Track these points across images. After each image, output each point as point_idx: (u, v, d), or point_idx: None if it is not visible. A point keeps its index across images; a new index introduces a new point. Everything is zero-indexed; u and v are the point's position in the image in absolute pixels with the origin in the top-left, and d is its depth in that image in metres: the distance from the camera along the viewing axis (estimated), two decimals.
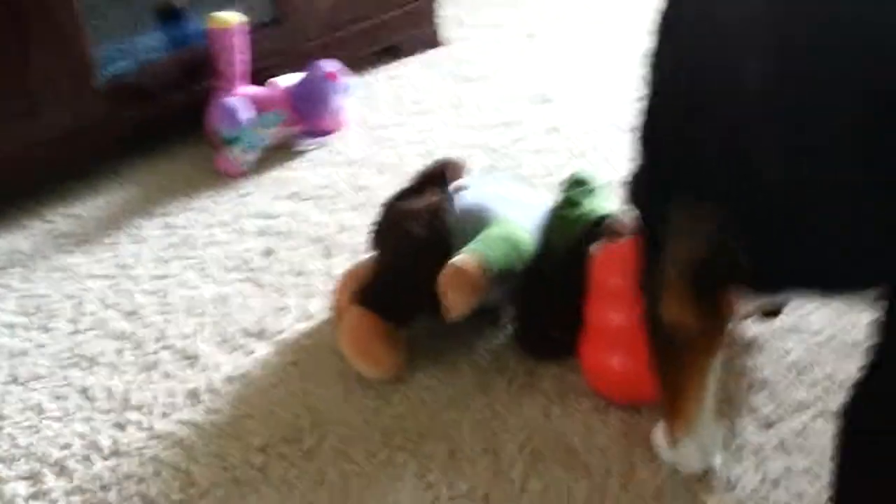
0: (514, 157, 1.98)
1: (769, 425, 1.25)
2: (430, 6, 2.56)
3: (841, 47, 0.74)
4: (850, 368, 1.31)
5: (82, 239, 1.88)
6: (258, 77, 2.13)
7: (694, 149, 0.87)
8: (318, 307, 1.59)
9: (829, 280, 0.82)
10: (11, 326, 1.63)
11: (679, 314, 0.97)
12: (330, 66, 2.09)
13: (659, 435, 1.21)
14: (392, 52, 2.52)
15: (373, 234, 1.52)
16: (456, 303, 1.33)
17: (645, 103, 1.00)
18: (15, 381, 1.50)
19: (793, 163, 0.76)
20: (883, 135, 0.71)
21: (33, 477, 1.31)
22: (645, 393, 1.28)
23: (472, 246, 1.36)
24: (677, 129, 0.90)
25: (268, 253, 1.75)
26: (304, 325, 1.56)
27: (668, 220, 0.92)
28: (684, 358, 1.05)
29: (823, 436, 1.22)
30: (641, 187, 1.04)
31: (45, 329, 1.62)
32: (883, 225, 0.73)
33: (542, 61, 2.42)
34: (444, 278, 1.33)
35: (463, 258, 1.34)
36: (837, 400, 1.26)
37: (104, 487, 1.28)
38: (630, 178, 1.08)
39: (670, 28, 0.94)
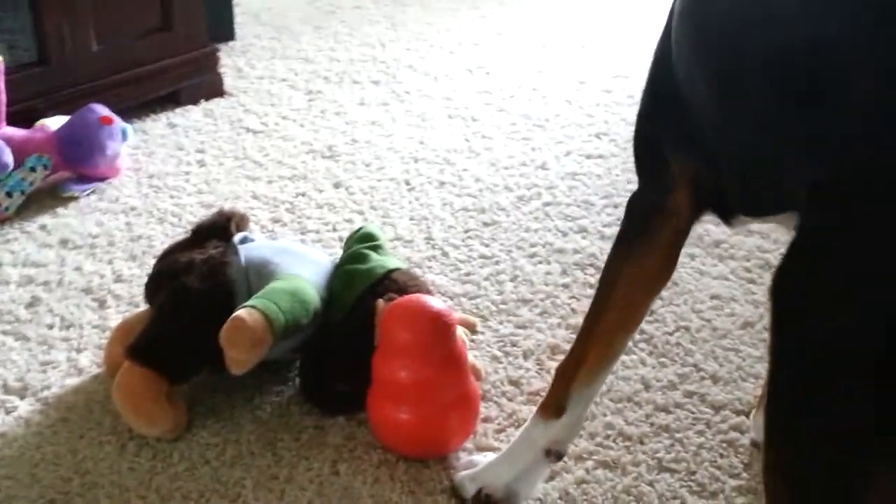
0: (298, 211, 1.96)
1: (552, 476, 1.29)
2: (213, 55, 2.51)
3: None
4: (628, 418, 1.39)
5: None
6: (24, 119, 2.00)
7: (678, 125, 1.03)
8: (90, 361, 1.50)
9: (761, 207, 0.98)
10: None
11: (681, 201, 1.07)
12: (103, 109, 2.00)
13: (464, 468, 1.24)
14: (173, 100, 2.45)
15: (148, 287, 1.45)
16: (238, 358, 1.29)
17: (647, 85, 1.10)
18: None
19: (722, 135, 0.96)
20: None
21: None
22: (432, 447, 1.29)
23: (254, 300, 1.33)
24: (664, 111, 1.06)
25: (33, 303, 1.63)
26: (73, 381, 1.46)
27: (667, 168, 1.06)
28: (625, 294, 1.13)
29: (605, 484, 1.28)
30: (645, 148, 1.13)
31: None
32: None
33: (326, 117, 2.43)
34: (224, 333, 1.29)
35: (245, 312, 1.31)
36: (617, 450, 1.33)
37: None
38: (637, 140, 1.14)
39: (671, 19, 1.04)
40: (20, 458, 1.31)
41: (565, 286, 1.72)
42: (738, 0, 0.92)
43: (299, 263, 1.44)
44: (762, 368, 1.50)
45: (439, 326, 1.29)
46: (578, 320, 1.40)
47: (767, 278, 1.68)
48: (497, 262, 1.79)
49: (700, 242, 1.85)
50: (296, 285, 1.37)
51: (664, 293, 1.63)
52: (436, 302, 1.33)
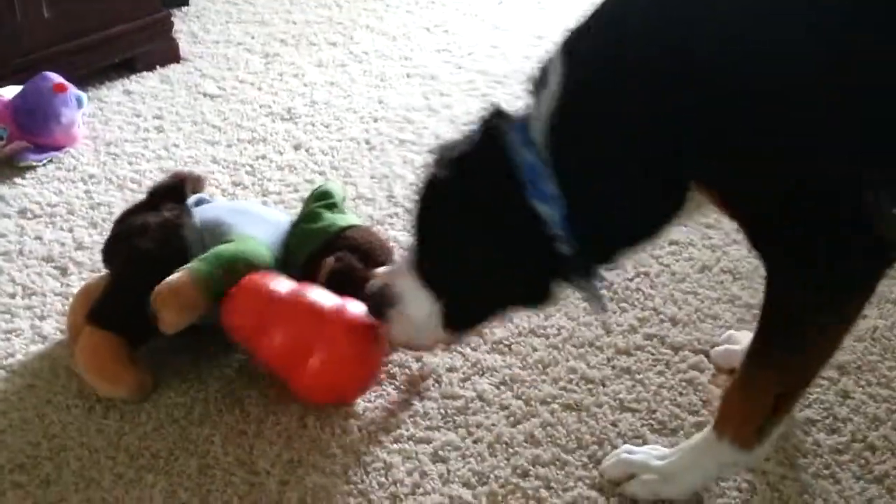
0: (258, 174, 1.96)
1: (518, 421, 1.31)
2: (167, 21, 2.49)
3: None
4: (590, 362, 1.42)
5: None
6: None
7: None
8: (53, 328, 1.50)
9: None
10: None
11: None
12: (56, 77, 1.99)
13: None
14: (128, 67, 2.42)
15: (105, 251, 1.46)
16: (169, 318, 1.30)
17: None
18: None
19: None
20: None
21: None
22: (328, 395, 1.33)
23: (192, 263, 1.34)
24: None
25: None
26: (38, 348, 1.46)
27: None
28: None
29: (570, 426, 1.30)
30: None
31: None
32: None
33: (284, 80, 2.42)
34: (155, 294, 1.31)
35: (177, 276, 1.32)
36: (580, 393, 1.35)
37: None
38: None
39: None
40: None
41: None
42: None
43: (254, 224, 1.44)
44: (720, 310, 1.53)
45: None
46: None
47: (725, 223, 1.72)
48: None
49: None
50: (244, 247, 1.38)
51: None
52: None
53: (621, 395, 1.36)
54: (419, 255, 1.20)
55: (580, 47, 1.10)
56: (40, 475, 1.23)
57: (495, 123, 1.14)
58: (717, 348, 1.44)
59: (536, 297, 1.16)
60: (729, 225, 1.73)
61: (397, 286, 1.22)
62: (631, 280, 1.61)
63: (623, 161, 1.05)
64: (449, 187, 1.15)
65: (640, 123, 1.03)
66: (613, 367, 1.42)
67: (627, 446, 1.25)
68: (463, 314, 1.22)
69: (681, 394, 1.37)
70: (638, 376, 1.40)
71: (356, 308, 1.32)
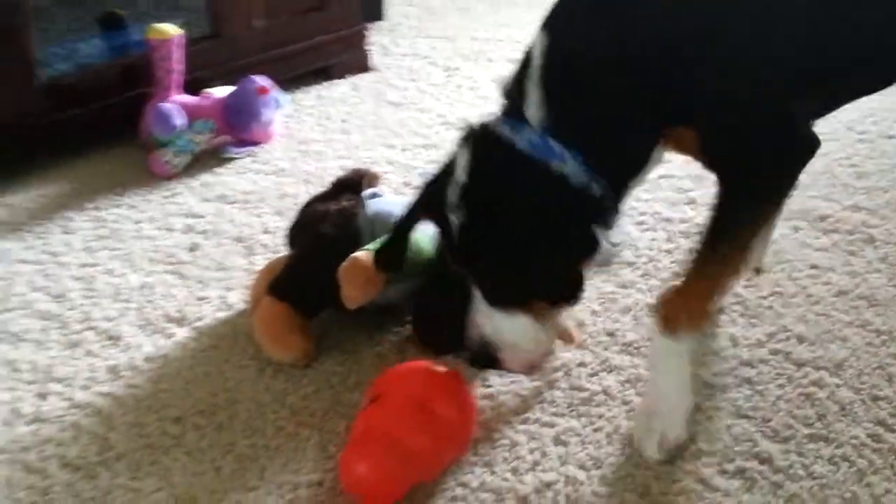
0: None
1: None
2: (362, 33, 2.72)
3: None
4: (713, 370, 1.50)
5: (15, 227, 1.98)
6: (193, 87, 2.26)
7: None
8: (237, 299, 1.72)
9: None
10: None
11: None
12: (262, 80, 2.24)
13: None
14: (323, 74, 2.67)
15: (289, 232, 1.66)
16: (351, 293, 1.47)
17: None
18: None
19: None
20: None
21: None
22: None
23: (372, 245, 1.51)
24: None
25: (193, 248, 1.88)
26: (223, 315, 1.69)
27: None
28: None
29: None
30: None
31: None
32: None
33: (461, 92, 2.60)
34: (342, 270, 1.47)
35: (362, 253, 1.49)
36: (699, 398, 1.44)
37: (24, 449, 1.39)
38: None
39: None
40: (177, 375, 1.54)
41: (668, 252, 1.83)
42: None
43: None
44: (850, 333, 1.57)
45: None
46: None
47: (869, 252, 1.76)
48: None
49: (807, 216, 1.91)
50: (412, 236, 1.54)
51: (764, 261, 1.73)
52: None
53: (739, 403, 1.43)
54: (482, 286, 1.31)
55: (557, 23, 1.29)
56: (216, 421, 1.44)
57: (479, 135, 1.29)
58: None
59: (591, 248, 1.28)
60: (872, 253, 1.77)
61: (490, 329, 1.32)
62: (765, 298, 1.67)
63: (609, 114, 1.27)
64: (474, 211, 1.27)
65: (619, 81, 1.25)
66: (735, 377, 1.49)
67: (632, 429, 1.39)
68: (548, 289, 1.33)
69: (798, 406, 1.43)
70: (758, 387, 1.47)
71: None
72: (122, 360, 1.57)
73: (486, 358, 1.34)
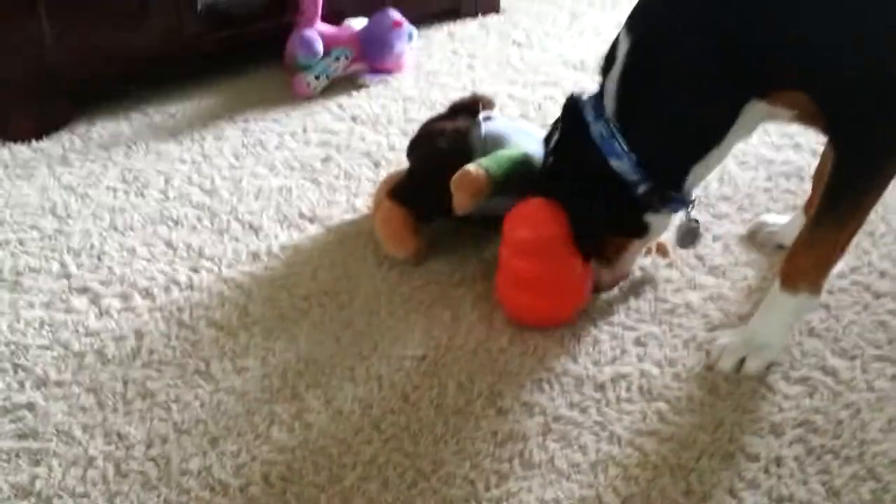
0: (543, 111, 2.29)
1: (714, 328, 1.55)
2: None
3: None
4: None
5: (175, 132, 2.24)
6: (334, 18, 2.46)
7: None
8: (363, 204, 1.92)
9: None
10: (114, 190, 2.00)
11: None
12: (396, 15, 2.42)
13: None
14: (454, 13, 2.84)
15: (410, 146, 1.84)
16: (461, 200, 1.64)
17: None
18: (115, 228, 1.86)
19: None
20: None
21: (124, 297, 1.67)
22: (547, 322, 1.58)
23: (481, 160, 1.68)
24: None
25: (326, 159, 2.09)
26: (349, 216, 1.89)
27: None
28: None
29: None
30: None
31: (140, 195, 1.97)
32: None
33: (584, 36, 2.73)
34: (454, 179, 1.64)
35: (472, 165, 1.66)
36: None
37: (179, 310, 1.63)
38: None
39: None
40: (306, 262, 1.75)
41: (766, 190, 1.93)
42: None
43: (528, 141, 1.76)
44: None
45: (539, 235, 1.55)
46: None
47: None
48: None
49: None
50: (518, 155, 1.70)
51: None
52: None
53: (813, 324, 1.55)
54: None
55: (640, 21, 1.43)
56: (338, 301, 1.65)
57: (571, 109, 1.52)
58: (758, 229, 1.78)
59: (638, 229, 1.53)
60: None
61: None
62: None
63: (678, 117, 1.42)
64: (554, 166, 1.56)
65: (703, 61, 1.36)
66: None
67: (721, 340, 1.49)
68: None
69: (869, 331, 1.53)
70: (834, 312, 1.58)
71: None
72: (261, 246, 1.79)
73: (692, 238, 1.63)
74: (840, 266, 1.67)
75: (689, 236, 1.63)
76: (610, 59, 1.47)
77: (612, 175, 1.46)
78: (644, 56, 1.41)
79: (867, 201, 1.38)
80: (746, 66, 1.34)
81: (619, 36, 1.46)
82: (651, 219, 1.52)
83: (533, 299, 1.57)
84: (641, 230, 1.53)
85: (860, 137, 1.34)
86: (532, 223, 1.55)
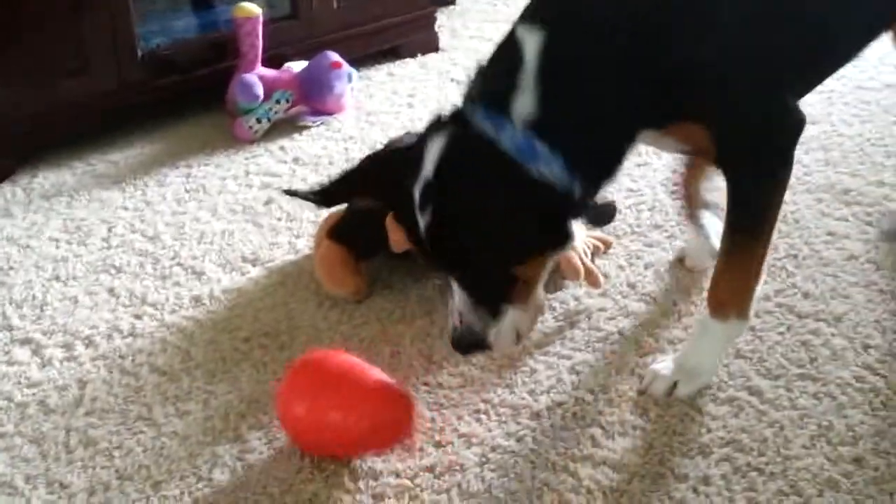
0: None
1: (645, 353, 1.60)
2: (431, 16, 2.94)
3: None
4: None
5: (117, 179, 2.26)
6: (274, 62, 2.51)
7: None
8: (304, 245, 1.96)
9: None
10: (56, 240, 2.02)
11: None
12: (335, 56, 2.47)
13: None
14: (393, 53, 2.90)
15: None
16: (397, 238, 1.68)
17: None
18: (57, 279, 1.88)
19: None
20: None
21: (67, 346, 1.68)
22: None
23: None
24: None
25: (268, 202, 2.13)
26: (291, 258, 1.93)
27: None
28: None
29: None
30: None
31: (83, 244, 2.00)
32: None
33: None
34: (389, 220, 1.68)
35: None
36: None
37: (122, 357, 1.65)
38: None
39: None
40: (248, 305, 1.78)
41: None
42: None
43: None
44: (854, 292, 1.71)
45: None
46: None
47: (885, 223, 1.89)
48: (641, 195, 2.08)
49: (831, 190, 2.05)
50: None
51: (783, 227, 1.88)
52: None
53: (739, 346, 1.60)
54: (460, 281, 1.34)
55: (553, 16, 1.31)
56: (278, 341, 1.68)
57: (455, 124, 1.30)
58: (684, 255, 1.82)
59: (564, 239, 1.33)
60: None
61: (473, 318, 1.36)
62: (779, 259, 1.83)
63: (604, 116, 1.32)
64: (453, 202, 1.26)
65: (621, 85, 1.30)
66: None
67: (654, 366, 1.53)
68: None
69: (793, 350, 1.58)
70: (759, 333, 1.63)
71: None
72: (203, 290, 1.82)
73: (472, 344, 1.39)
74: (765, 289, 1.73)
75: (604, 216, 1.60)
76: (506, 61, 1.30)
77: (535, 184, 1.25)
78: (564, 50, 1.27)
79: (768, 222, 1.44)
80: (657, 92, 1.31)
81: (514, 36, 1.31)
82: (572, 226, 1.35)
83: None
84: (566, 239, 1.34)
85: (750, 163, 1.40)
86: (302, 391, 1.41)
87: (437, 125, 1.33)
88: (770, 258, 1.80)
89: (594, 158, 1.34)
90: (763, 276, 1.50)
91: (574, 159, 1.28)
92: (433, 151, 1.28)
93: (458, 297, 1.37)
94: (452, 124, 1.30)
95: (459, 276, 1.35)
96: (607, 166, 1.38)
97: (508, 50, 1.32)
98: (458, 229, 1.27)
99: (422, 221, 1.29)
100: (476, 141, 1.26)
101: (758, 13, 1.37)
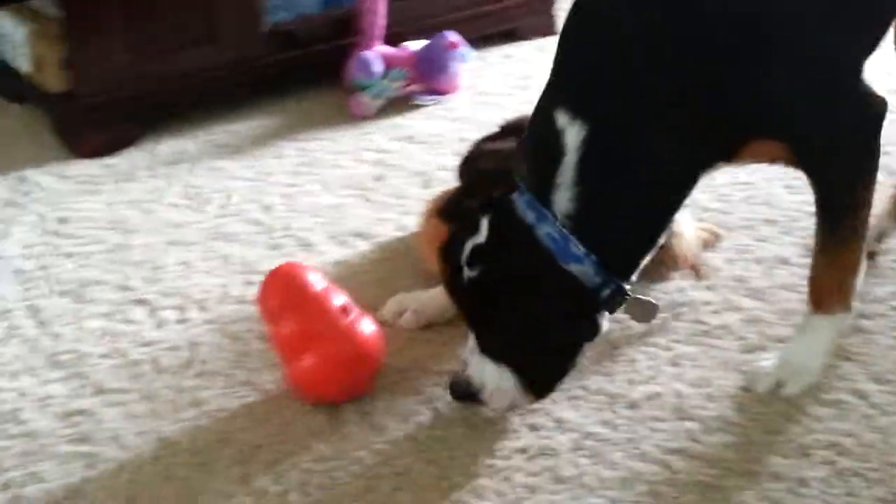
0: None
1: (749, 350, 1.57)
2: None
3: None
4: None
5: (235, 150, 2.33)
6: (392, 40, 2.54)
7: None
8: (411, 223, 1.98)
9: None
10: (175, 205, 2.10)
11: None
12: (452, 36, 2.49)
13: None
14: (511, 35, 2.89)
15: (460, 166, 1.90)
16: (430, 268, 1.67)
17: None
18: (174, 243, 1.95)
19: None
20: None
21: (180, 308, 1.76)
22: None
23: None
24: None
25: (379, 178, 2.16)
26: (398, 234, 1.96)
27: None
28: None
29: None
30: None
31: (201, 210, 2.07)
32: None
33: None
34: (433, 245, 1.68)
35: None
36: None
37: (231, 321, 1.71)
38: None
39: None
40: (353, 278, 1.82)
41: (811, 214, 1.93)
42: None
43: None
44: None
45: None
46: None
47: None
48: (755, 188, 2.03)
49: None
50: None
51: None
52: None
53: (848, 349, 1.56)
54: (478, 333, 1.40)
55: (592, 106, 1.31)
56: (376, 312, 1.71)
57: (501, 211, 1.37)
58: None
59: (592, 336, 1.39)
60: None
61: (476, 372, 1.39)
62: (894, 261, 1.76)
63: (645, 208, 1.36)
64: (489, 275, 1.36)
65: (672, 158, 1.33)
66: (850, 327, 1.60)
67: (760, 363, 1.50)
68: (540, 377, 1.40)
69: None
70: (870, 336, 1.58)
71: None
72: (312, 262, 1.86)
73: (466, 394, 1.42)
74: (878, 291, 1.68)
75: (649, 312, 1.50)
76: (548, 150, 1.33)
77: (568, 281, 1.32)
78: (606, 146, 1.31)
79: (861, 214, 1.42)
80: (720, 131, 1.34)
81: (555, 122, 1.32)
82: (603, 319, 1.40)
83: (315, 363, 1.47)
84: (595, 333, 1.39)
85: (836, 162, 1.40)
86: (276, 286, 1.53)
87: (488, 204, 1.40)
88: (885, 259, 1.76)
89: (630, 258, 1.39)
90: (863, 266, 1.47)
91: (609, 260, 1.34)
92: (486, 220, 1.38)
93: (470, 346, 1.41)
94: (499, 209, 1.38)
95: (478, 333, 1.40)
96: (645, 252, 1.40)
97: (549, 137, 1.33)
98: (489, 298, 1.36)
99: (466, 274, 1.38)
100: (518, 226, 1.34)
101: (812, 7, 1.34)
